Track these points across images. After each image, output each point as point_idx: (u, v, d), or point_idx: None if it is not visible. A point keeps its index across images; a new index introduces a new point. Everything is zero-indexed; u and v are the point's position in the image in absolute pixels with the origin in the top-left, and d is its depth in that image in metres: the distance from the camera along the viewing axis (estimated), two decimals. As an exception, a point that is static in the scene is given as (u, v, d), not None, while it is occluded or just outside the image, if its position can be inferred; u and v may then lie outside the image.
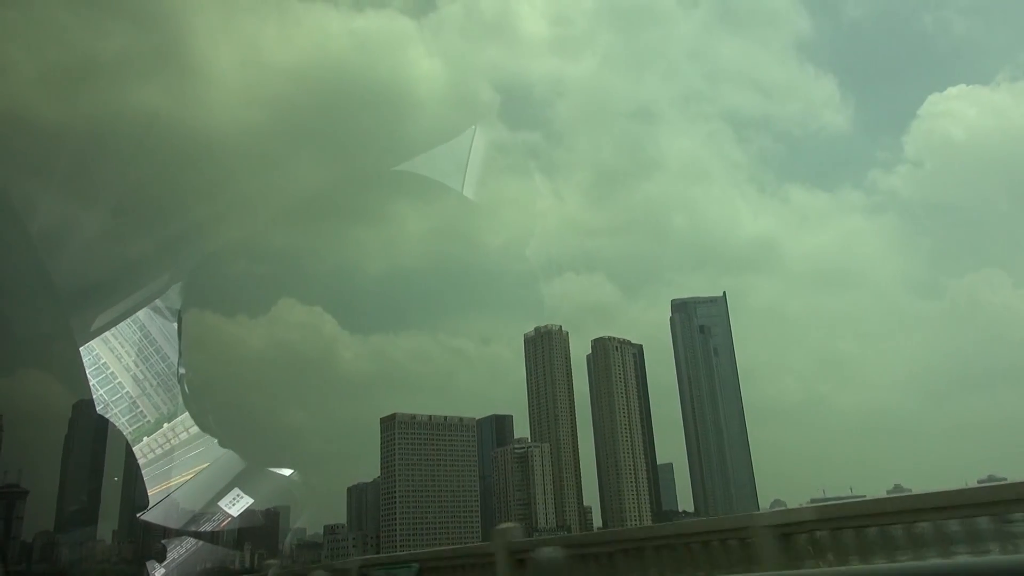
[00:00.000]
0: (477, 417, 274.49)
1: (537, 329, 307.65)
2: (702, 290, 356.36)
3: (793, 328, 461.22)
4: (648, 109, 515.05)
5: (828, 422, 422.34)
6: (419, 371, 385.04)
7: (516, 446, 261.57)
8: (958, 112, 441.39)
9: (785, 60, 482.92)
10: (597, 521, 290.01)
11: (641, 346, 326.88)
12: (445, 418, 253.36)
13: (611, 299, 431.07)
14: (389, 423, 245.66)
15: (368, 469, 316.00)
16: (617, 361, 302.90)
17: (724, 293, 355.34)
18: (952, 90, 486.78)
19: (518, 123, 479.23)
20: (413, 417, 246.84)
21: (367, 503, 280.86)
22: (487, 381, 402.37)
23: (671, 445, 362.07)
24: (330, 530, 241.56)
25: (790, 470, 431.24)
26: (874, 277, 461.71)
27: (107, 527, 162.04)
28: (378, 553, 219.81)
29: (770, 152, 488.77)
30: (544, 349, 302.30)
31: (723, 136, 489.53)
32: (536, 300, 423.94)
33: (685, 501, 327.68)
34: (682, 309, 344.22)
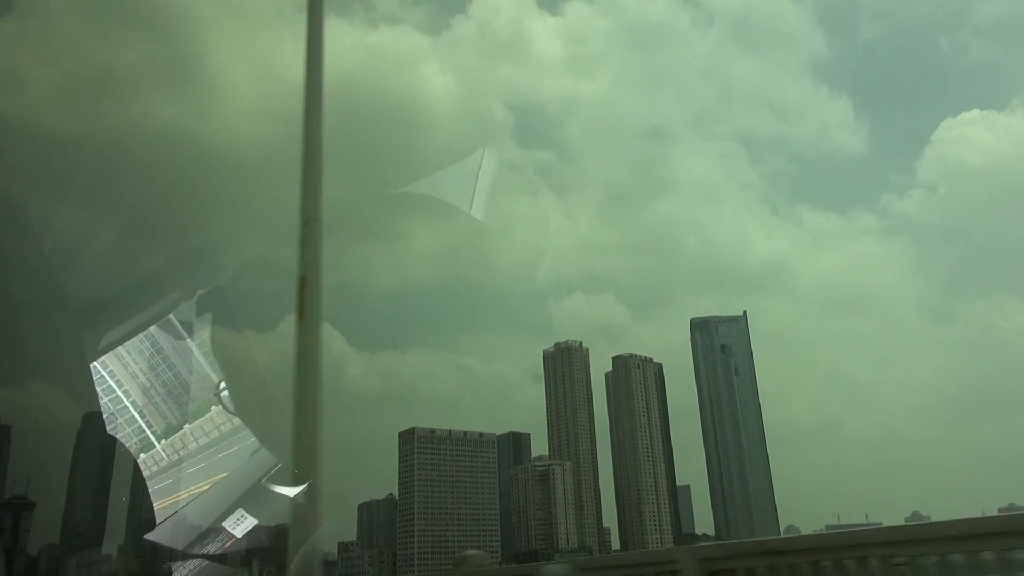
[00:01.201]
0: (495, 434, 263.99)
1: (557, 345, 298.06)
2: (713, 312, 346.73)
3: (804, 352, 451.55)
4: (661, 129, 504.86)
5: (840, 447, 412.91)
6: (426, 389, 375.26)
7: (537, 463, 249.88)
8: (972, 137, 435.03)
9: (800, 81, 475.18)
10: (615, 543, 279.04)
11: (661, 364, 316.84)
12: (464, 433, 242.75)
13: (620, 320, 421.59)
14: (408, 437, 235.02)
15: (378, 487, 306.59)
16: (639, 379, 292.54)
17: (745, 312, 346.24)
18: (966, 115, 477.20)
19: (530, 142, 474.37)
20: (432, 432, 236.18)
21: (379, 521, 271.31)
22: (495, 400, 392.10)
23: (686, 466, 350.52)
24: (344, 548, 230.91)
25: (803, 495, 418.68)
26: (886, 301, 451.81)
27: (113, 542, 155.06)
28: (395, 572, 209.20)
29: (783, 173, 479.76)
30: (564, 366, 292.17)
31: (736, 157, 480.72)
32: (544, 320, 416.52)
33: (701, 524, 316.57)
34: (703, 328, 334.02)
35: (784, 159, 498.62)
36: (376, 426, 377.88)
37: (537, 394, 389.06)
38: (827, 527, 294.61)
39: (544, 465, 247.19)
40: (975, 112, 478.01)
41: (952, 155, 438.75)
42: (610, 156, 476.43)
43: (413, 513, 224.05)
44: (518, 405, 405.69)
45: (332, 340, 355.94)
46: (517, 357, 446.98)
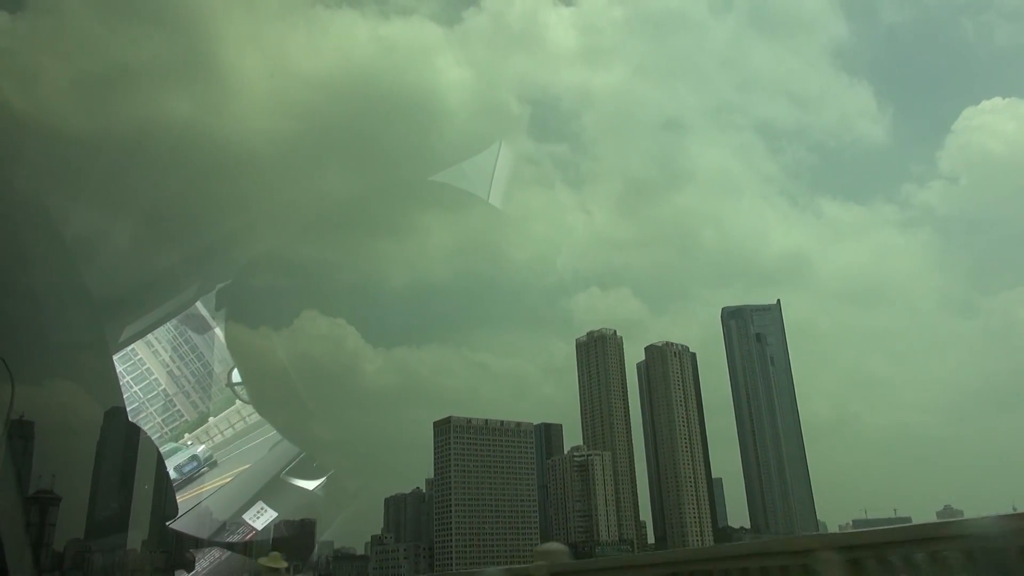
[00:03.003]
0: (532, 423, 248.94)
1: (590, 334, 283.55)
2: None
3: (824, 346, 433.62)
4: (678, 120, 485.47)
5: (862, 442, 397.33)
6: (443, 385, 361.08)
7: (576, 454, 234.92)
8: (995, 126, 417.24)
9: (820, 67, 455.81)
10: (649, 536, 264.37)
11: (695, 354, 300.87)
12: (501, 423, 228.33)
13: (636, 314, 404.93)
14: (443, 427, 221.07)
15: (403, 480, 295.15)
16: (675, 367, 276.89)
17: (778, 301, 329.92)
18: (987, 103, 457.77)
19: (546, 134, 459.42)
20: (468, 421, 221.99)
21: (406, 514, 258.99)
22: (513, 395, 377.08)
23: (716, 459, 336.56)
24: (378, 541, 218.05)
25: (828, 490, 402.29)
26: (907, 294, 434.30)
27: (137, 536, 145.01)
28: (432, 567, 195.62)
29: (803, 163, 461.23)
30: (598, 355, 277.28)
31: (755, 147, 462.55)
32: (560, 315, 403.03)
33: (735, 517, 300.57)
34: (737, 316, 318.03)
35: (804, 149, 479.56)
36: (397, 421, 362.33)
37: (552, 389, 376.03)
38: (854, 522, 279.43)
39: (583, 456, 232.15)
40: (997, 100, 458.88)
41: (974, 144, 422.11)
42: (627, 148, 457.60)
43: (450, 504, 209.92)
44: (536, 400, 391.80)
45: (348, 336, 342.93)
46: (533, 352, 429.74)
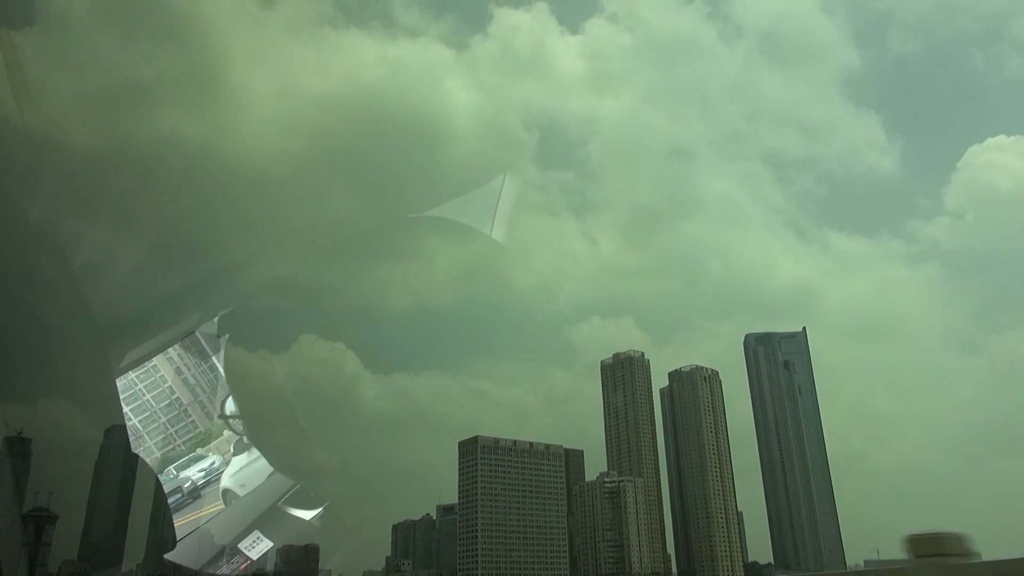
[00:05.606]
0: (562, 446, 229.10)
1: (616, 356, 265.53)
2: (734, 340, 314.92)
3: (829, 380, 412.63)
4: (685, 148, 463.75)
5: (868, 479, 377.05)
6: (442, 412, 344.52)
7: (606, 480, 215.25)
8: (1000, 163, 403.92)
9: (829, 97, 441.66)
10: (674, 570, 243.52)
11: (722, 380, 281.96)
12: (531, 444, 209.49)
13: (639, 344, 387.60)
14: (470, 447, 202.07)
15: (403, 508, 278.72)
16: (706, 393, 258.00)
17: (804, 328, 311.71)
18: (991, 141, 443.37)
19: (552, 161, 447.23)
20: (496, 441, 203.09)
21: (415, 541, 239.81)
22: (511, 424, 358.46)
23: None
24: (395, 568, 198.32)
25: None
26: (912, 330, 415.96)
27: (133, 559, 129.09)
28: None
29: (811, 195, 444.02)
30: (624, 377, 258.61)
31: (762, 177, 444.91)
32: (562, 344, 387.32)
33: (755, 551, 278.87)
34: (765, 342, 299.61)
35: (812, 180, 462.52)
36: (398, 448, 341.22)
37: (552, 419, 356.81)
38: (867, 562, 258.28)
39: (614, 482, 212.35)
40: (1002, 138, 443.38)
41: (980, 181, 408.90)
42: (633, 176, 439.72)
43: (476, 529, 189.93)
44: (536, 430, 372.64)
45: (347, 361, 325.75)
46: (534, 381, 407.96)
